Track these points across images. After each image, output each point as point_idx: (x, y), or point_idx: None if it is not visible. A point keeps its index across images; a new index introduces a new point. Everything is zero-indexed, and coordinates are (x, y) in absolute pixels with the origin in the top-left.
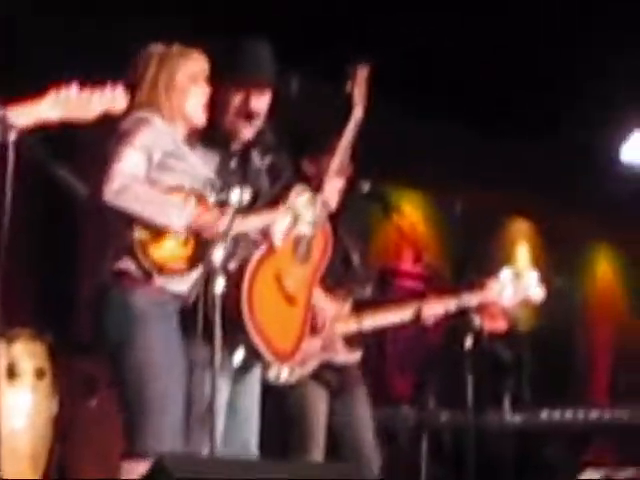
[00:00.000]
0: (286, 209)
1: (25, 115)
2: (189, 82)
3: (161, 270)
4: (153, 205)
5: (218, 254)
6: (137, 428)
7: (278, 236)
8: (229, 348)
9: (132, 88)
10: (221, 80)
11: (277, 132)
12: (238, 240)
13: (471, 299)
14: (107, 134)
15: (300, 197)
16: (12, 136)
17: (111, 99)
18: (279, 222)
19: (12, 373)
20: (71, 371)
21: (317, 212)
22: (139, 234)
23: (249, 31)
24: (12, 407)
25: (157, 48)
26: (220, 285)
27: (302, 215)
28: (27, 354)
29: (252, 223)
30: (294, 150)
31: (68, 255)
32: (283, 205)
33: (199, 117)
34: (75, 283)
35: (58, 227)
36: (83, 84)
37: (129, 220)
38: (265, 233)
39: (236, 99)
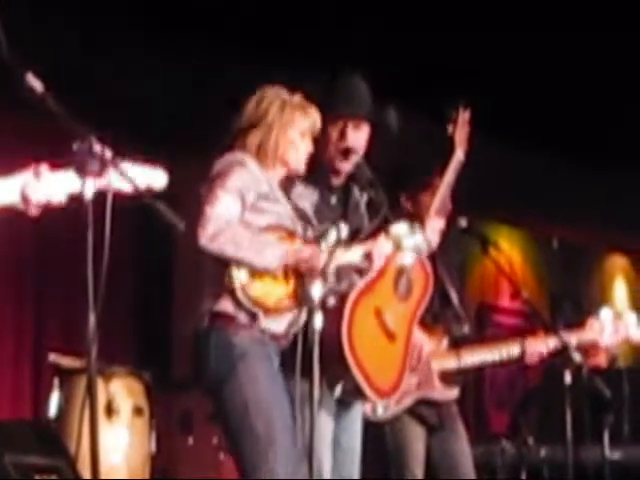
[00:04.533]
0: (387, 237)
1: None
2: (299, 137)
3: (262, 309)
4: (248, 247)
5: (317, 290)
6: (249, 464)
7: (380, 259)
8: (329, 384)
9: (247, 124)
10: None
11: (375, 167)
12: (339, 275)
13: (571, 338)
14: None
15: (400, 225)
16: (110, 172)
17: (151, 177)
18: (381, 246)
19: (110, 410)
20: (168, 409)
21: (418, 240)
22: (238, 274)
23: (352, 67)
24: (110, 444)
25: (280, 93)
26: (319, 321)
27: (403, 243)
28: (125, 392)
29: (355, 254)
30: (392, 186)
31: (165, 295)
32: (383, 234)
33: (300, 167)
34: (172, 323)
35: (156, 266)
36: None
37: (226, 262)
38: (368, 257)
39: (333, 135)
